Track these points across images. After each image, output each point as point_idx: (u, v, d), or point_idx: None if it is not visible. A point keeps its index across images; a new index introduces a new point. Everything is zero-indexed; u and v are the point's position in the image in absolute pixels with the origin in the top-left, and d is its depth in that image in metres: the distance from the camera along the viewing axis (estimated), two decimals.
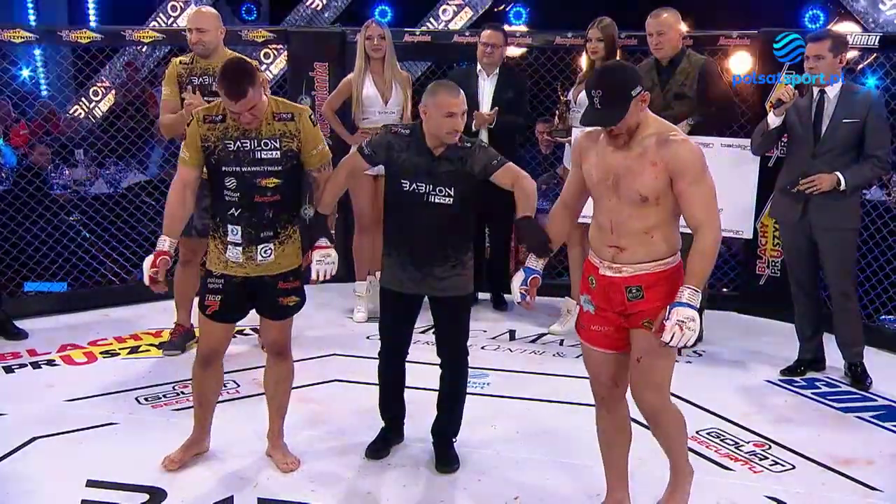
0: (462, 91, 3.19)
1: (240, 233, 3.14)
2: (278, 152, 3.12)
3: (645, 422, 2.93)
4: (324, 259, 3.20)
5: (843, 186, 3.99)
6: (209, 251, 3.24)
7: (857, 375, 4.22)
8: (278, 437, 3.40)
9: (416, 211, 3.20)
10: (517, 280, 2.95)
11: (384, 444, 3.46)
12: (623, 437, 2.94)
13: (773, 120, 4.12)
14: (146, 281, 3.13)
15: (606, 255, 2.75)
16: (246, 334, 4.69)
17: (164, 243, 3.14)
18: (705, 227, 2.63)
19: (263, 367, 3.44)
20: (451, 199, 3.17)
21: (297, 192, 3.26)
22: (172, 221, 3.18)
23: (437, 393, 3.41)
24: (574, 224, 3.05)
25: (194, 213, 4.32)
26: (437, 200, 3.17)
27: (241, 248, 3.14)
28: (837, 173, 4.00)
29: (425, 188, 3.17)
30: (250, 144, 3.11)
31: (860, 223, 4.29)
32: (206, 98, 4.18)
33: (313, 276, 3.20)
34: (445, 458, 3.37)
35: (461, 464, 3.37)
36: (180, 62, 4.39)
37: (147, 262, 3.13)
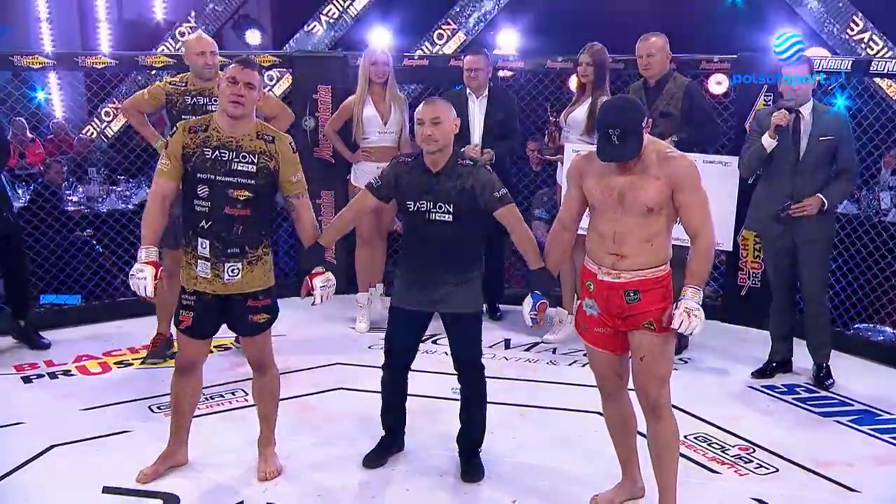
0: (441, 103, 3.18)
1: (208, 246, 3.07)
2: (254, 167, 3.07)
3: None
4: (326, 284, 3.21)
5: (826, 206, 4.08)
6: (182, 266, 3.17)
7: (822, 376, 4.29)
8: (265, 444, 3.36)
9: (420, 229, 3.21)
10: (527, 306, 3.11)
11: (382, 453, 3.42)
12: (629, 420, 3.06)
13: (769, 143, 4.12)
14: (149, 292, 3.04)
15: (606, 262, 2.83)
16: None
17: (153, 253, 3.08)
18: (702, 233, 2.79)
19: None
20: (451, 216, 3.15)
21: (267, 215, 3.20)
22: (153, 232, 3.10)
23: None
24: (573, 243, 3.10)
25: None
26: (438, 218, 3.16)
27: (209, 263, 3.08)
28: (820, 195, 4.07)
29: (426, 206, 3.17)
30: (228, 155, 3.06)
31: (833, 232, 4.35)
32: (198, 116, 4.20)
33: (317, 301, 3.21)
34: (469, 469, 3.34)
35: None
36: (169, 82, 4.39)
37: (149, 274, 3.03)
